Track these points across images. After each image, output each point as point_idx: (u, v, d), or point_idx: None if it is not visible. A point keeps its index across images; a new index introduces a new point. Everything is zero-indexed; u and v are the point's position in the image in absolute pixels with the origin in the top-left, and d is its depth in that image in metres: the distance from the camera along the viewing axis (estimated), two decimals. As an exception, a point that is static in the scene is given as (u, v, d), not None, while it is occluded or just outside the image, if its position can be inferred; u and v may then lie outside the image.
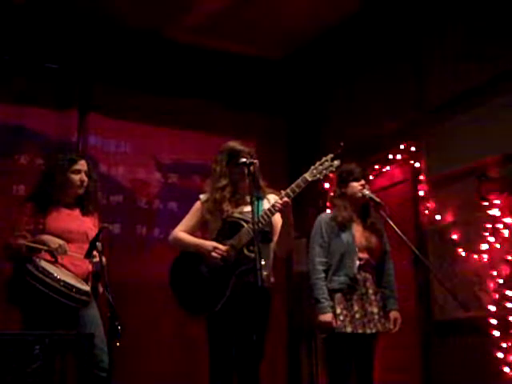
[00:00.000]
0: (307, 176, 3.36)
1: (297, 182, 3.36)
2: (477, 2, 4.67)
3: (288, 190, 3.35)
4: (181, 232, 3.59)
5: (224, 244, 3.41)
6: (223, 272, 3.38)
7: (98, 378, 3.47)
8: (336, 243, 3.97)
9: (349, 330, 3.82)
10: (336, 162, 3.41)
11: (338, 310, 3.85)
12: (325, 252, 3.98)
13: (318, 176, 3.37)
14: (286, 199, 3.33)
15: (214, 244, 3.41)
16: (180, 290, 3.50)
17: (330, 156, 3.41)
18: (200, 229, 3.66)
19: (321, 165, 3.39)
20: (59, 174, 3.71)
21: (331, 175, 3.65)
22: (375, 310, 3.90)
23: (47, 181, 3.74)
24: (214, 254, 3.38)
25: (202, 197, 3.61)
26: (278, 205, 3.34)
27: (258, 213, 3.28)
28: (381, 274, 4.03)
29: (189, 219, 3.64)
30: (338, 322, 3.83)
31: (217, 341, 3.41)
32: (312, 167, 3.39)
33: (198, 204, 3.62)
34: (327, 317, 3.83)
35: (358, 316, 3.85)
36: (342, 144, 3.46)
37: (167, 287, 3.54)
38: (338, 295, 3.89)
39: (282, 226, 3.47)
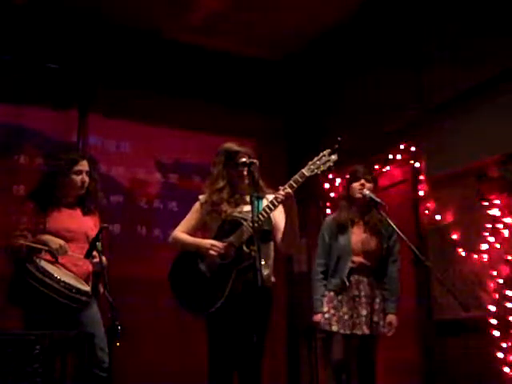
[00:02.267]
0: (305, 171, 3.33)
1: (294, 177, 3.33)
2: (477, 2, 4.67)
3: (286, 185, 3.33)
4: (180, 232, 3.59)
5: (223, 242, 3.40)
6: (223, 270, 3.38)
7: (99, 378, 3.47)
8: (335, 246, 4.06)
9: (334, 328, 3.87)
10: (334, 157, 3.36)
11: (325, 309, 3.94)
12: (325, 254, 4.04)
13: (316, 171, 3.33)
14: (288, 190, 3.30)
15: (212, 242, 3.41)
16: (180, 289, 3.49)
17: (328, 151, 3.37)
18: (200, 229, 3.66)
19: (319, 160, 3.36)
20: (60, 175, 3.71)
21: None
22: (364, 312, 3.92)
23: (48, 181, 3.74)
24: (211, 251, 3.38)
25: (202, 198, 3.61)
26: (281, 196, 3.29)
27: (257, 212, 3.27)
28: (380, 276, 4.04)
29: (188, 220, 3.63)
30: (322, 320, 3.91)
31: (216, 340, 3.40)
32: (310, 162, 3.36)
33: (197, 205, 3.62)
34: (316, 317, 3.98)
35: (346, 317, 3.89)
36: (339, 138, 3.42)
37: (167, 287, 3.53)
38: (330, 294, 3.98)
39: (287, 221, 3.43)
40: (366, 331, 3.89)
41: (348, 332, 3.88)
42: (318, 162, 3.35)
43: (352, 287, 3.93)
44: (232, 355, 3.37)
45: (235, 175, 3.51)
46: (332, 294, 3.96)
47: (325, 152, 3.38)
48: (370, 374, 3.94)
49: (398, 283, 4.07)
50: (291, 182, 3.33)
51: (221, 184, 3.51)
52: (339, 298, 3.93)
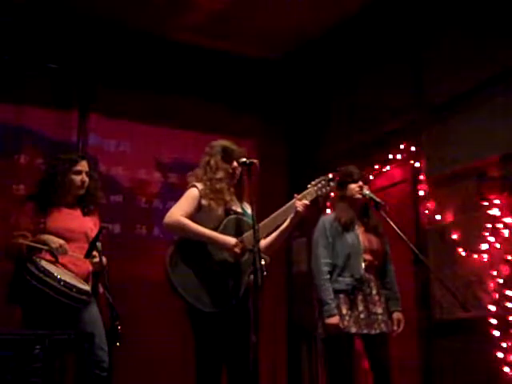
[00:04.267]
0: (313, 191, 3.46)
1: (304, 195, 3.44)
2: (476, 2, 4.67)
3: (300, 196, 3.43)
4: (184, 217, 3.39)
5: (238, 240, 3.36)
6: (236, 269, 3.34)
7: (99, 378, 3.47)
8: (341, 244, 3.99)
9: (353, 330, 3.84)
10: (332, 184, 3.54)
11: (344, 311, 3.87)
12: (329, 253, 4.00)
13: (319, 193, 3.48)
14: (306, 201, 3.40)
15: (235, 239, 3.34)
16: (185, 282, 3.32)
17: (327, 178, 3.52)
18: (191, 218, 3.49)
19: (320, 183, 3.50)
20: (60, 175, 3.72)
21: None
22: (379, 310, 3.92)
23: (48, 181, 3.75)
24: (236, 249, 3.31)
25: (199, 185, 3.49)
26: (300, 206, 3.38)
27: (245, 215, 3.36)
28: (383, 276, 4.05)
29: (186, 205, 3.44)
30: (345, 323, 3.84)
31: (210, 339, 3.33)
32: (313, 183, 3.49)
33: (195, 191, 3.47)
34: (334, 319, 3.84)
35: (362, 316, 3.87)
36: (338, 169, 3.58)
37: (167, 286, 3.49)
38: (342, 295, 3.91)
39: (285, 229, 3.47)
40: (384, 329, 3.90)
41: (365, 331, 3.86)
42: (319, 185, 3.49)
43: (364, 285, 3.93)
44: (222, 355, 3.35)
45: (230, 172, 3.51)
46: (343, 295, 3.91)
47: (325, 177, 3.53)
48: (386, 375, 3.92)
49: (395, 281, 4.09)
50: (302, 196, 3.43)
51: (221, 174, 3.49)
52: (351, 297, 3.91)
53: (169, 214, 3.43)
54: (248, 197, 3.54)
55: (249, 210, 3.52)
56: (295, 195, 3.42)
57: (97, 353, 3.46)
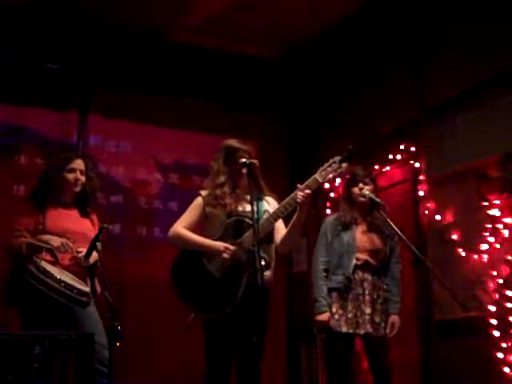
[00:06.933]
0: (318, 177, 3.31)
1: (308, 183, 3.32)
2: (477, 2, 4.68)
3: (303, 186, 3.31)
4: (183, 229, 3.48)
5: (233, 243, 3.35)
6: (234, 272, 3.32)
7: (100, 373, 3.46)
8: (337, 243, 4.04)
9: (344, 329, 3.86)
10: (344, 165, 3.34)
11: (334, 309, 3.92)
12: (327, 251, 4.06)
13: (328, 177, 3.33)
14: (308, 191, 3.28)
15: (225, 245, 3.34)
16: (188, 290, 3.39)
17: (338, 158, 3.35)
18: (200, 225, 3.55)
19: (329, 166, 3.33)
20: (54, 173, 3.72)
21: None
22: (368, 310, 3.92)
23: (44, 180, 3.75)
24: (225, 254, 3.32)
25: (203, 192, 3.54)
26: (300, 197, 3.27)
27: (257, 213, 3.24)
28: (384, 276, 4.05)
29: (189, 215, 3.53)
30: (334, 321, 3.87)
31: (217, 341, 3.37)
32: (321, 168, 3.35)
33: (199, 200, 3.53)
34: (323, 316, 3.92)
35: (350, 316, 3.89)
36: (350, 147, 3.40)
37: (167, 287, 3.49)
38: (335, 294, 3.96)
39: (294, 222, 3.40)
40: (370, 330, 3.89)
41: (351, 331, 3.88)
42: (328, 169, 3.33)
43: (356, 285, 3.93)
44: (231, 356, 3.36)
45: (234, 173, 3.49)
46: (335, 293, 3.95)
47: (335, 159, 3.36)
48: (387, 375, 3.92)
49: (400, 284, 4.08)
50: (304, 186, 3.32)
51: (222, 179, 3.48)
52: (344, 296, 3.92)
53: (171, 228, 3.54)
54: (262, 194, 3.51)
55: (267, 206, 3.47)
56: (298, 185, 3.33)
57: (96, 349, 3.45)
